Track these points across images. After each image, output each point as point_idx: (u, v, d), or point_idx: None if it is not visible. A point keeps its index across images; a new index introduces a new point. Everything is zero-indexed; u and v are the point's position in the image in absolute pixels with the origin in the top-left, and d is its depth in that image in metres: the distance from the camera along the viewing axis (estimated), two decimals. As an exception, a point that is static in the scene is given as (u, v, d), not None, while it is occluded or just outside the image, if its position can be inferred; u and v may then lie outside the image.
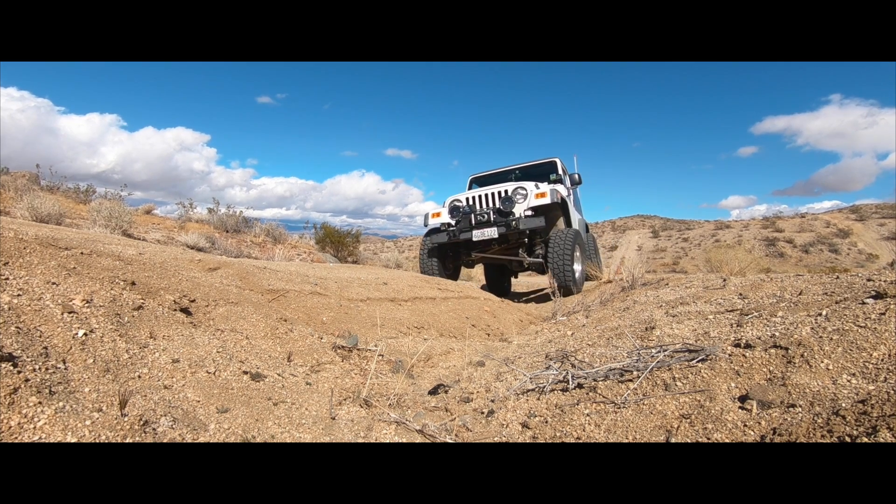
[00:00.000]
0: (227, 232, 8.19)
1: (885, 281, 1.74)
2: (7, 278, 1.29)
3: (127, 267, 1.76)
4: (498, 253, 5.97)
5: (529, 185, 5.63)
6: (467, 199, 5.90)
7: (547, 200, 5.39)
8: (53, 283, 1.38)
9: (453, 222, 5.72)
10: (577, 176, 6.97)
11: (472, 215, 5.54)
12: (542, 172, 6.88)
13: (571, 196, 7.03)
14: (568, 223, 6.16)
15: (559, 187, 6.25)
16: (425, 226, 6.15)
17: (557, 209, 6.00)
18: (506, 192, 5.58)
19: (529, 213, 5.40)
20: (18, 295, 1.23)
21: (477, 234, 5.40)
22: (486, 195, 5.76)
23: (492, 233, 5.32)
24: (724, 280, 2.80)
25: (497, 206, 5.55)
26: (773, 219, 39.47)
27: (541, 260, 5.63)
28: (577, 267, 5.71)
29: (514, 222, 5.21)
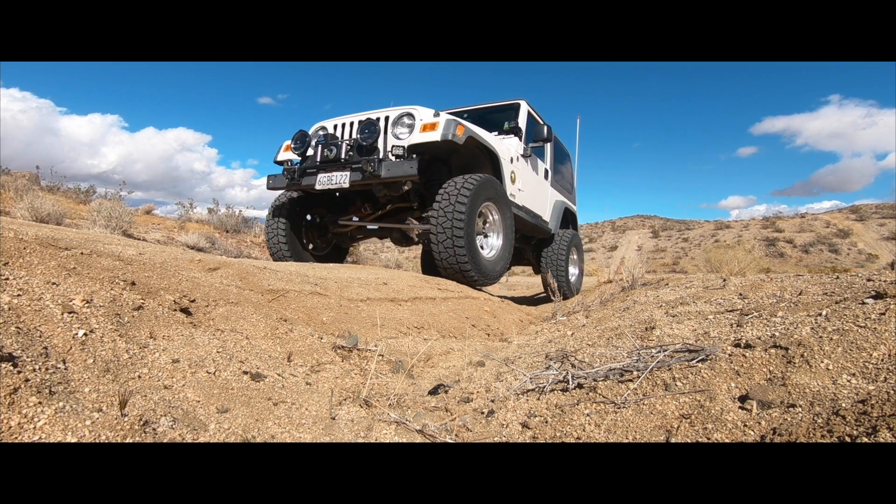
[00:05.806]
0: (227, 232, 8.19)
1: (885, 281, 1.74)
2: (7, 278, 1.29)
3: (127, 267, 1.76)
4: (377, 219, 4.00)
5: (424, 112, 3.45)
6: (335, 125, 3.79)
7: (436, 136, 3.20)
8: (53, 283, 1.38)
9: (300, 159, 3.73)
10: (545, 129, 4.57)
11: (322, 150, 3.57)
12: (503, 120, 4.83)
13: (535, 159, 4.94)
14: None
15: (508, 140, 4.35)
16: (276, 163, 4.08)
17: (484, 162, 3.83)
18: (375, 118, 3.48)
19: (401, 152, 3.31)
20: (18, 295, 1.23)
21: (322, 180, 3.45)
22: (355, 122, 3.64)
23: (341, 179, 3.35)
24: (724, 280, 2.80)
25: (358, 138, 3.45)
26: (772, 219, 39.51)
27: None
28: (496, 241, 3.74)
29: (371, 164, 3.21)
